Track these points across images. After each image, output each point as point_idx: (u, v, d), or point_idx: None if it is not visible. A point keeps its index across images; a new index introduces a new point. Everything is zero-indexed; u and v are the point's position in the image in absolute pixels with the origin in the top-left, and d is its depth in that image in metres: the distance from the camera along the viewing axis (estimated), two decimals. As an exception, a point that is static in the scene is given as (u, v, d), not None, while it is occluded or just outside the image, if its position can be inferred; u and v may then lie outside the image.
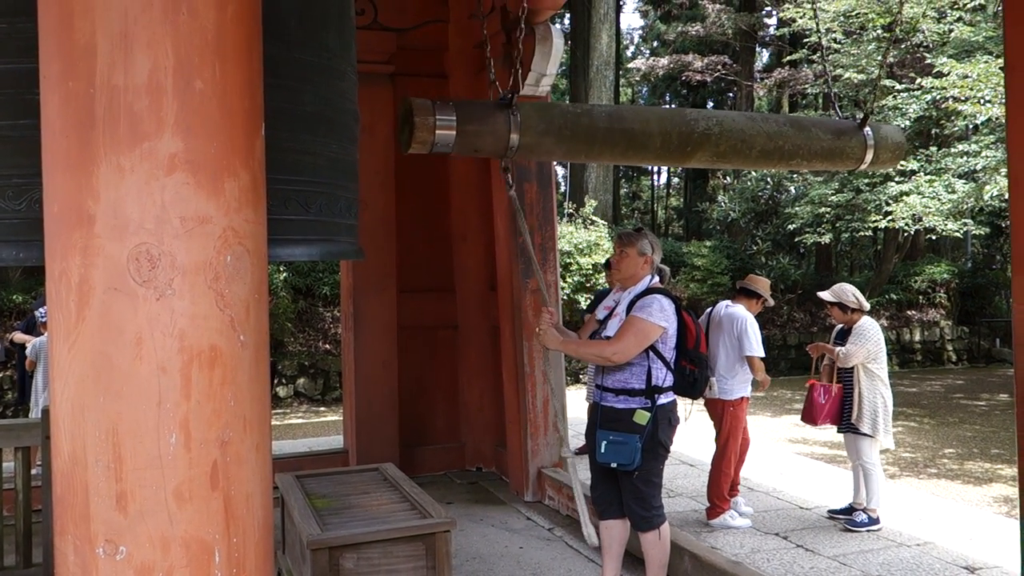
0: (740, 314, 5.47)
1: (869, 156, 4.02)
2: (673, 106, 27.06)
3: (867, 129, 4.00)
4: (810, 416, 5.51)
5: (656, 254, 4.04)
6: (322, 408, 12.62)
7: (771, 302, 5.78)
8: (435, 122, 3.15)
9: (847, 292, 5.50)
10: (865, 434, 5.32)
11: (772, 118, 4.06)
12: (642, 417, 3.78)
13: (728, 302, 5.67)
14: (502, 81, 5.98)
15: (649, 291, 3.90)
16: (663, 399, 3.86)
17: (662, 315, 3.80)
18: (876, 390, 5.34)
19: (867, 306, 5.53)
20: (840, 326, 5.63)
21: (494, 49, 6.33)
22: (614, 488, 3.96)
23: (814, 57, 15.22)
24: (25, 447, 3.67)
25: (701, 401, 5.26)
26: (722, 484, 5.45)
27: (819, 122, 4.09)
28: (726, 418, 5.42)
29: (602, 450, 3.82)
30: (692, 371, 3.91)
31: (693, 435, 6.00)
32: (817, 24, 4.73)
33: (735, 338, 5.40)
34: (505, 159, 3.45)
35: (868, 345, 5.32)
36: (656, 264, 4.06)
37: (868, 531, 5.23)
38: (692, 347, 3.91)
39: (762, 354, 5.44)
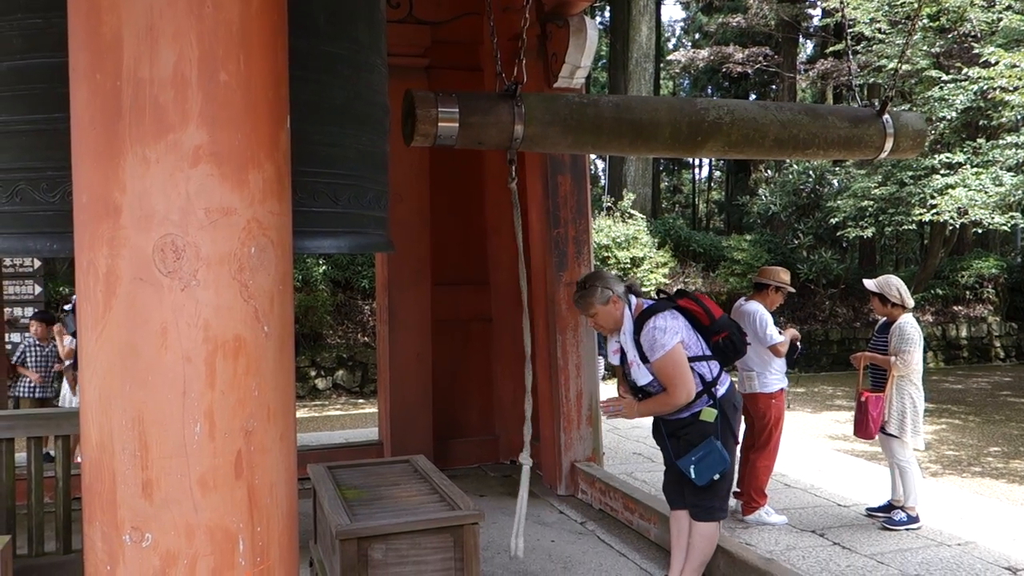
0: (751, 309, 5.42)
1: (889, 144, 3.89)
2: (715, 99, 26.75)
3: (886, 116, 3.88)
4: (866, 430, 5.32)
5: (616, 286, 3.94)
6: (360, 400, 12.73)
7: (791, 289, 5.64)
8: (438, 114, 3.09)
9: (892, 285, 5.39)
10: (893, 435, 5.24)
11: (787, 106, 3.93)
12: (709, 415, 3.80)
13: (744, 299, 5.62)
14: (536, 73, 6.02)
15: (639, 319, 3.85)
16: (721, 389, 3.88)
17: (669, 335, 3.76)
18: (905, 391, 5.24)
19: (911, 303, 5.40)
20: (883, 320, 5.54)
21: (527, 41, 6.33)
22: (684, 477, 3.95)
23: (859, 48, 14.91)
24: (65, 435, 3.75)
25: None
26: (762, 479, 5.39)
27: (836, 110, 3.96)
28: (770, 411, 5.36)
29: (692, 475, 3.80)
30: (724, 338, 3.91)
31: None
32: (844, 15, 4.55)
33: (754, 333, 5.32)
34: (510, 151, 3.40)
35: (917, 347, 5.23)
36: (620, 293, 3.94)
37: (907, 530, 5.14)
38: (709, 323, 3.90)
39: (780, 339, 5.33)
